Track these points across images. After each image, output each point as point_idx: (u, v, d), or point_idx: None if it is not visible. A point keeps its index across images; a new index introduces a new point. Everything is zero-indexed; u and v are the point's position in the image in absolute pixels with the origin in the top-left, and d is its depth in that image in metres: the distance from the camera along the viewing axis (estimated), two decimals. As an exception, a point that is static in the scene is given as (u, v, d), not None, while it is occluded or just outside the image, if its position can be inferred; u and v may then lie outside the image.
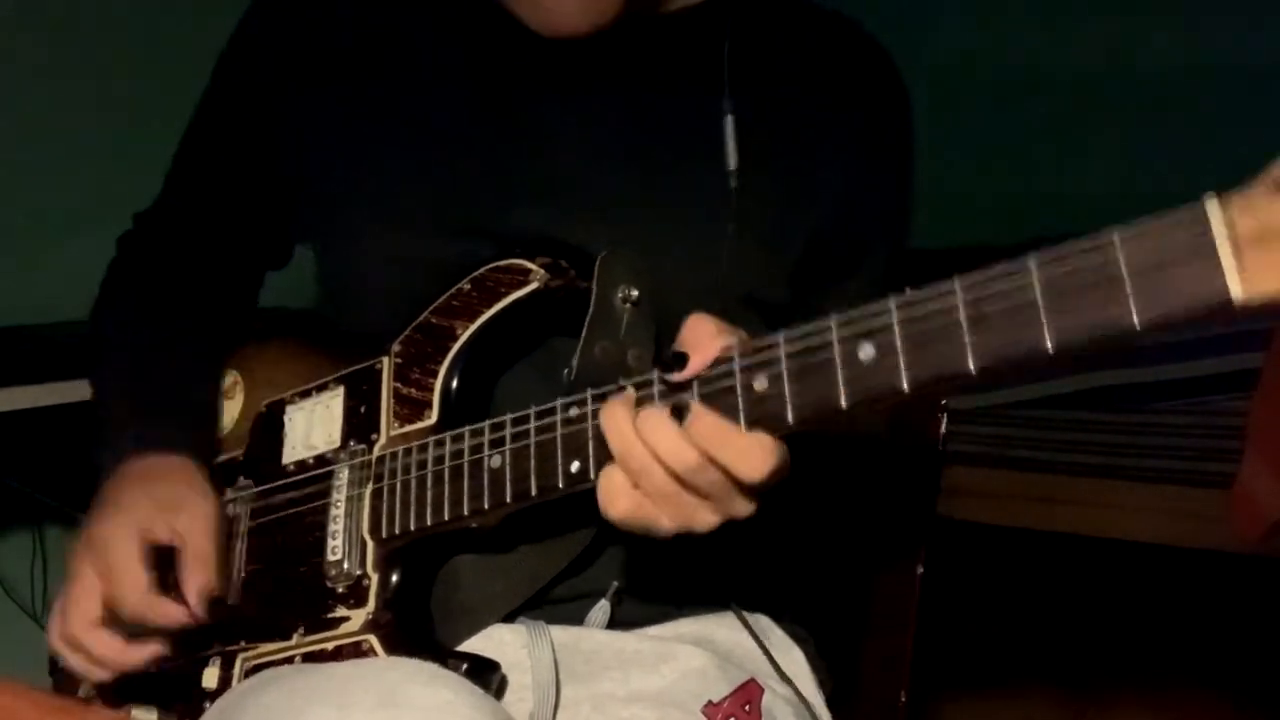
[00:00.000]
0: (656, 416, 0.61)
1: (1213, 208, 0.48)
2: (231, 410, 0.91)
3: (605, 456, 0.63)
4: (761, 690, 0.79)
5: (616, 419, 0.62)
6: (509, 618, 0.77)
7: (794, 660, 0.85)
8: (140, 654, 0.79)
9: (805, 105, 0.85)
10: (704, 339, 0.63)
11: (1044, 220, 2.39)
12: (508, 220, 0.81)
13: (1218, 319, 0.50)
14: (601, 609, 0.78)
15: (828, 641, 0.91)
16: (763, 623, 0.86)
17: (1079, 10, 2.53)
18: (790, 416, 0.59)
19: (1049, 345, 0.52)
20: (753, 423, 0.60)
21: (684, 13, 0.87)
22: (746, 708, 0.77)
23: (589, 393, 0.67)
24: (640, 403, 0.63)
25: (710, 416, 0.60)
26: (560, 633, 0.76)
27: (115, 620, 0.78)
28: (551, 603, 0.78)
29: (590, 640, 0.77)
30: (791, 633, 0.87)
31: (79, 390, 0.94)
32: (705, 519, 0.63)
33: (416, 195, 0.84)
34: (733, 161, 0.79)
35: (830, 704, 0.86)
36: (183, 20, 2.04)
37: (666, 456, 0.60)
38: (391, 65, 0.88)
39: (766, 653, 0.81)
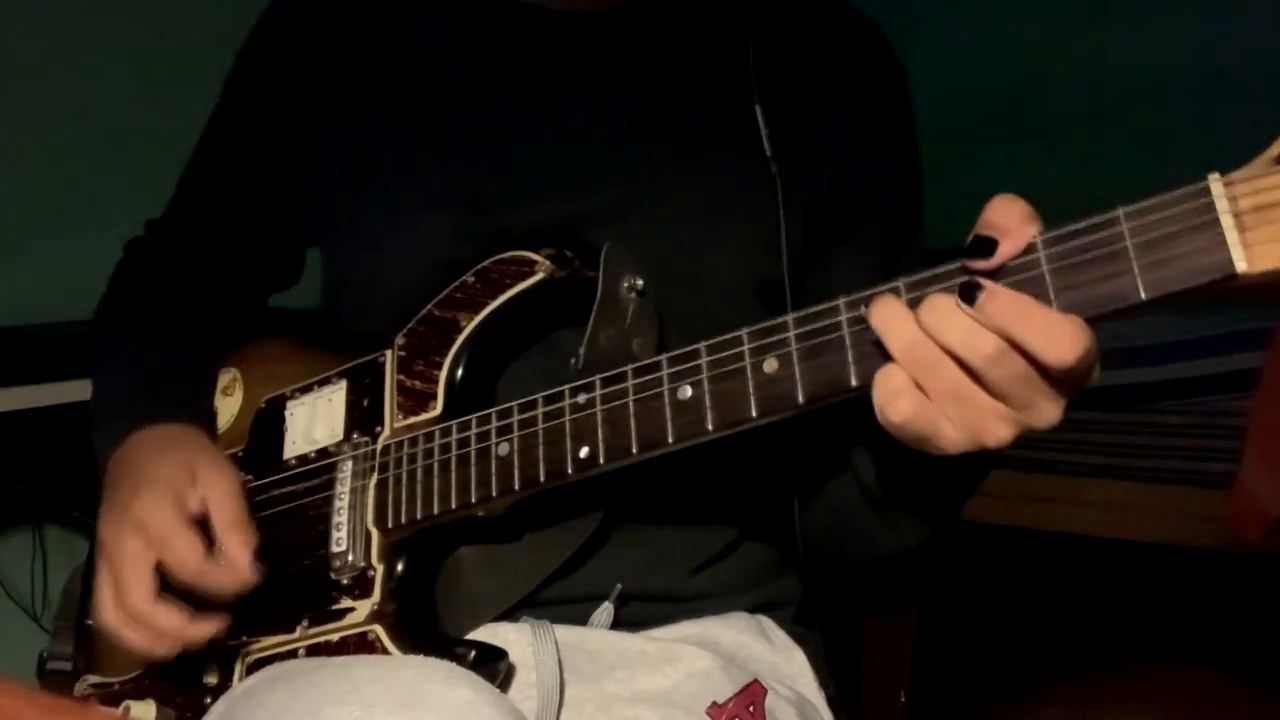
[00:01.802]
0: (944, 301, 0.54)
1: (1216, 184, 0.51)
2: (230, 407, 0.91)
3: (879, 366, 0.57)
4: (765, 691, 0.79)
5: (893, 313, 0.56)
6: (513, 616, 0.77)
7: (795, 661, 0.85)
8: (203, 627, 0.75)
9: (802, 85, 0.86)
10: (1015, 223, 0.55)
11: (1043, 220, 2.40)
12: (523, 217, 0.81)
13: (1221, 291, 0.52)
14: (605, 611, 0.78)
15: (828, 641, 0.91)
16: (765, 623, 0.86)
17: (1079, 10, 2.53)
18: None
19: None
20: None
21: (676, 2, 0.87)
22: (751, 709, 0.77)
23: (597, 378, 0.67)
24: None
25: (1007, 292, 0.54)
26: (565, 632, 0.76)
27: (168, 592, 0.75)
28: (555, 604, 0.78)
29: (595, 640, 0.77)
30: (793, 633, 0.87)
31: (79, 390, 0.94)
32: (997, 430, 0.56)
33: (430, 195, 0.84)
34: (769, 148, 0.80)
35: (831, 704, 0.85)
36: (185, 22, 2.04)
37: (960, 346, 0.54)
38: (403, 65, 0.88)
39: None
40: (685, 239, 0.80)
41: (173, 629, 0.74)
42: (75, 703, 0.85)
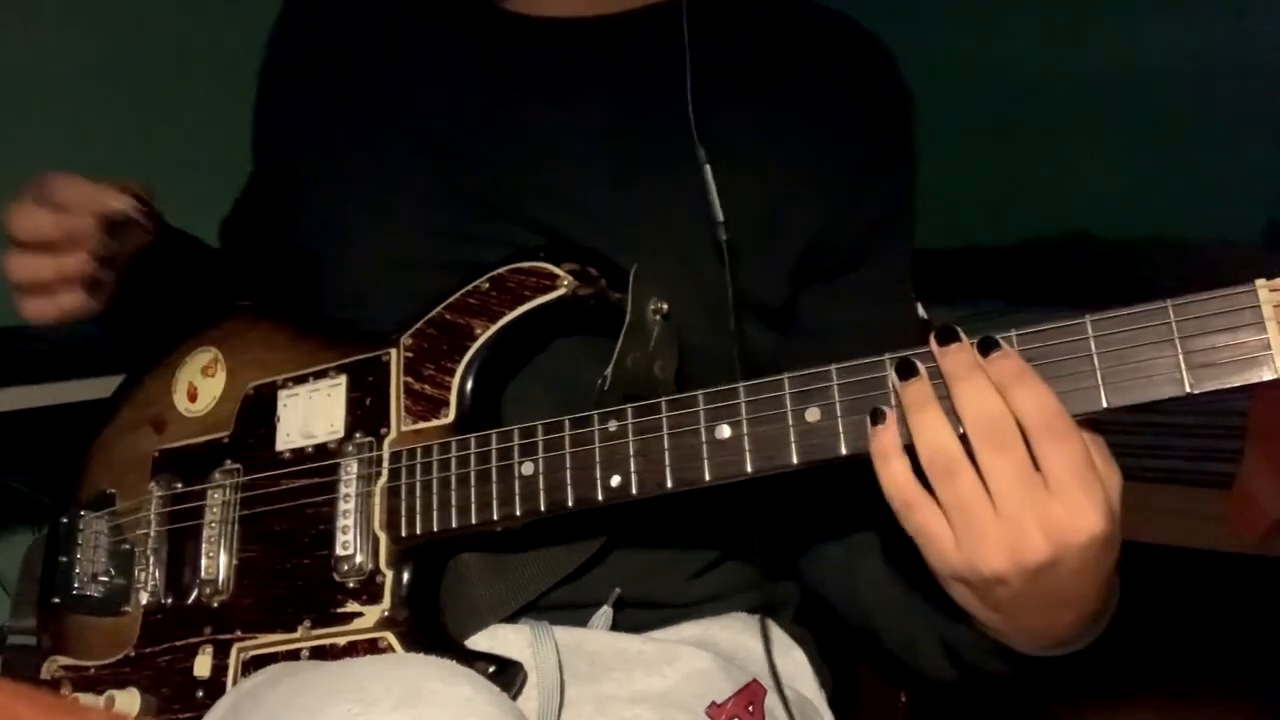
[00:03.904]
0: (965, 353, 0.58)
1: (1262, 290, 0.53)
2: (212, 389, 0.89)
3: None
4: (764, 691, 0.79)
5: (923, 402, 0.58)
6: (513, 618, 0.77)
7: (795, 660, 0.86)
8: None
9: (799, 106, 0.87)
10: None
11: (1043, 221, 2.39)
12: (506, 225, 0.81)
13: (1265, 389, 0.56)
14: (604, 615, 0.79)
15: (828, 642, 0.91)
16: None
17: (1078, 12, 2.53)
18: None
19: (1103, 402, 0.57)
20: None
21: (670, 7, 0.87)
22: (750, 708, 0.77)
23: (629, 407, 0.69)
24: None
25: (1019, 359, 0.57)
26: (564, 634, 0.77)
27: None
28: (554, 608, 0.79)
29: (594, 641, 0.78)
30: (792, 633, 0.87)
31: (79, 390, 0.94)
32: (991, 559, 0.57)
33: (413, 200, 0.86)
34: (719, 214, 0.79)
35: (830, 704, 0.85)
36: (184, 22, 2.04)
37: (967, 398, 0.57)
38: (388, 73, 0.91)
39: (768, 651, 0.81)
40: (663, 262, 0.80)
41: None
42: (74, 703, 0.84)
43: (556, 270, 0.75)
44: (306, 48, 0.94)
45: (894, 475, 0.59)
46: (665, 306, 0.76)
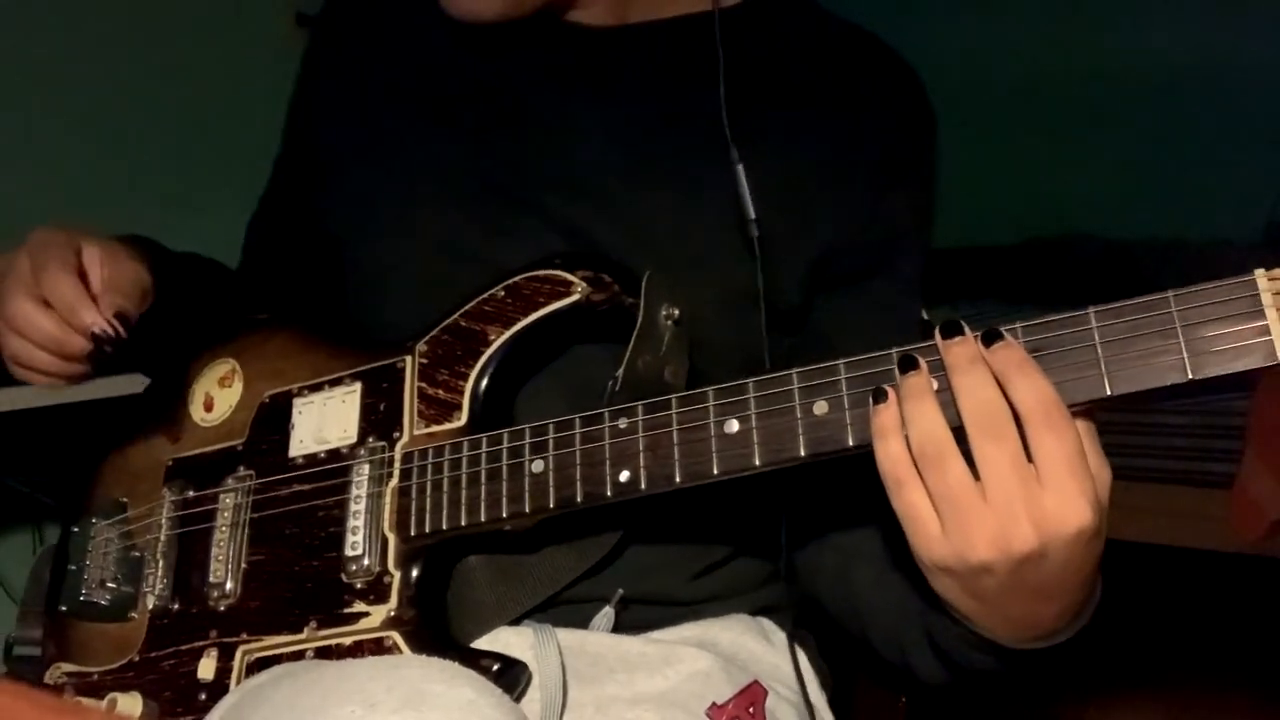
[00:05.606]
0: (969, 346, 0.59)
1: (1261, 278, 0.55)
2: (229, 399, 0.91)
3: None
4: (765, 692, 0.80)
5: (918, 390, 0.59)
6: (515, 620, 0.77)
7: (797, 660, 0.85)
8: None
9: (825, 119, 0.88)
10: None
11: (1043, 221, 2.39)
12: (525, 217, 0.82)
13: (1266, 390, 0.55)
14: (606, 615, 0.79)
15: (829, 642, 0.91)
16: (766, 625, 0.86)
17: (1079, 12, 2.53)
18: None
19: (1107, 390, 0.58)
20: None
21: (701, 16, 0.87)
22: (750, 709, 0.78)
23: (639, 404, 0.70)
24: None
25: (1021, 350, 0.58)
26: (566, 635, 0.78)
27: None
28: (556, 605, 0.80)
29: (595, 643, 0.79)
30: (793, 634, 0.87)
31: (79, 390, 0.94)
32: (980, 549, 0.58)
33: (436, 189, 0.88)
34: (751, 210, 0.80)
35: (830, 704, 0.86)
36: (186, 23, 2.04)
37: (964, 386, 0.58)
38: (418, 64, 0.93)
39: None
40: (684, 261, 0.82)
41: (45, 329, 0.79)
42: (74, 703, 0.85)
43: (570, 277, 0.77)
44: (347, 38, 0.97)
45: (889, 451, 0.60)
46: (677, 312, 0.77)
